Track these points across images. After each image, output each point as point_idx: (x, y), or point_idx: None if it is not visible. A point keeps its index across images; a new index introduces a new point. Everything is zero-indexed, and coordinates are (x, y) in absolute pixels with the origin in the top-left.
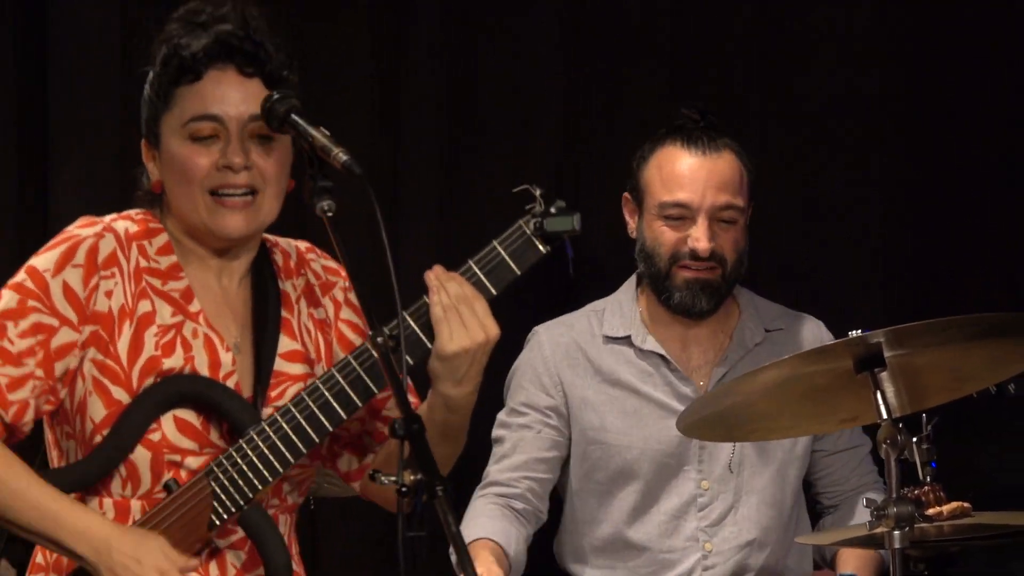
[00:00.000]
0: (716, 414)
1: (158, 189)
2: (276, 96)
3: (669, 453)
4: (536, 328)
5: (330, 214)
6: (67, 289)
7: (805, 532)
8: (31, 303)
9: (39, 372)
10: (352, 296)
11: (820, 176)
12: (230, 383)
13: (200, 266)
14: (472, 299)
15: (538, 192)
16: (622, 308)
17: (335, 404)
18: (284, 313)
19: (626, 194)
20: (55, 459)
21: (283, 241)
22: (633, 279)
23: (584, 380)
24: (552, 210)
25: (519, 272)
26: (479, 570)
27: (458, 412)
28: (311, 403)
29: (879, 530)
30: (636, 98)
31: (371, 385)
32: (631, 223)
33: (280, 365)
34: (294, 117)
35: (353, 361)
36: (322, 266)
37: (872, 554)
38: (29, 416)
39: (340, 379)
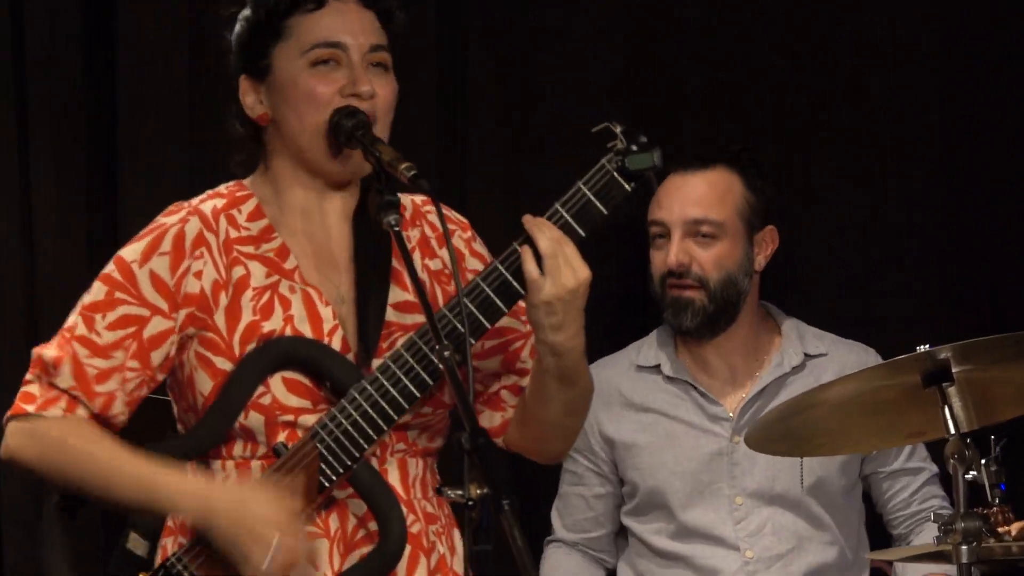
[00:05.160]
0: (784, 428)
1: (265, 121)
2: (344, 112)
3: (700, 470)
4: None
5: (397, 228)
6: (155, 278)
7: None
8: (119, 295)
9: (132, 363)
10: (477, 245)
11: (879, 193)
12: (335, 337)
13: (298, 216)
14: (561, 242)
15: (619, 129)
16: (659, 337)
17: (435, 359)
18: (395, 263)
19: None
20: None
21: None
22: None
23: (619, 415)
24: (633, 147)
25: (606, 212)
26: None
27: (566, 357)
28: (410, 358)
29: (946, 546)
30: (692, 120)
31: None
32: None
33: (392, 315)
34: (361, 133)
35: (448, 313)
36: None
37: None
38: (119, 408)
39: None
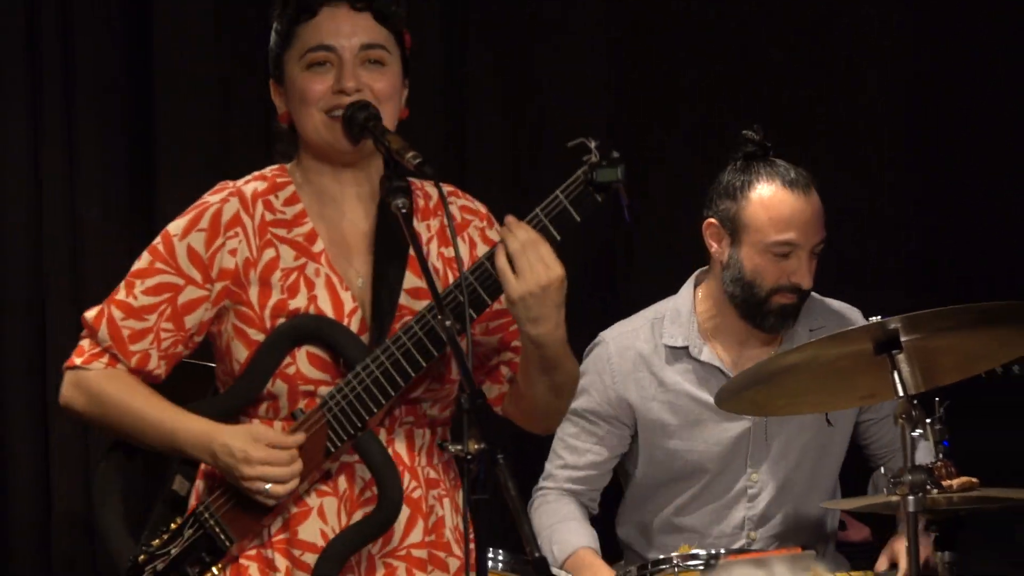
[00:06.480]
0: (751, 391)
1: (285, 120)
2: (356, 105)
3: (726, 452)
4: (603, 335)
5: (404, 211)
6: (191, 251)
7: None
8: (158, 264)
9: (167, 325)
10: (491, 233)
11: (876, 185)
12: (355, 319)
13: (323, 202)
14: (538, 243)
15: (593, 144)
16: (680, 316)
17: (426, 341)
18: (412, 252)
19: (712, 220)
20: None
21: (428, 185)
22: (691, 284)
23: (649, 392)
24: (603, 162)
25: (579, 219)
26: None
27: (546, 348)
28: (406, 340)
29: (895, 497)
30: (686, 105)
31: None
32: (715, 246)
33: (404, 300)
34: (372, 124)
35: (454, 290)
36: (460, 207)
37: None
38: (154, 364)
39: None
